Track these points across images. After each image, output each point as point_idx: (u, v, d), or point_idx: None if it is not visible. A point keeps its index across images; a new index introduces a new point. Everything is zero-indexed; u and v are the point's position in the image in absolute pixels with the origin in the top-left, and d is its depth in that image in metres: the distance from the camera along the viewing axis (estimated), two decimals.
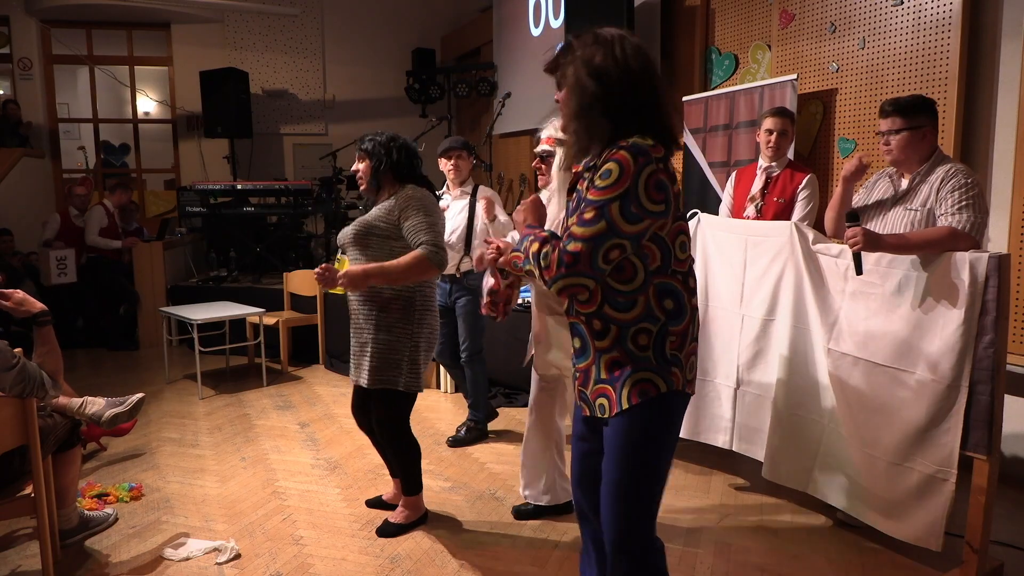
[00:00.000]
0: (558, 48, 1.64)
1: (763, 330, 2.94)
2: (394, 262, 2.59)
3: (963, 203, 2.44)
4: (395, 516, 2.90)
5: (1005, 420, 2.31)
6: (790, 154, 3.60)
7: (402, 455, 2.85)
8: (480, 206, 3.69)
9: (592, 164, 1.59)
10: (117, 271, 6.34)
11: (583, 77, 1.56)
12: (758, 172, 3.50)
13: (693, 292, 1.65)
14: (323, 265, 2.61)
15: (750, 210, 3.46)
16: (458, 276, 3.78)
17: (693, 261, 1.71)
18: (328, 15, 8.29)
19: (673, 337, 1.59)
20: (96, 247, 6.24)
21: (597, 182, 1.48)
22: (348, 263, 2.76)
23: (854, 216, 2.49)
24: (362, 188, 2.82)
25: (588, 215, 1.48)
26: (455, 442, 3.87)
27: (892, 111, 2.61)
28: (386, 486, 3.26)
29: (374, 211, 2.74)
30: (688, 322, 1.61)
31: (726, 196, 3.71)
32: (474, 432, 3.92)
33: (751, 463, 3.09)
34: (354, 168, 2.82)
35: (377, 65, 8.43)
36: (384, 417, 2.79)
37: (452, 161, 3.78)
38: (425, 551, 2.72)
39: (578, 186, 1.65)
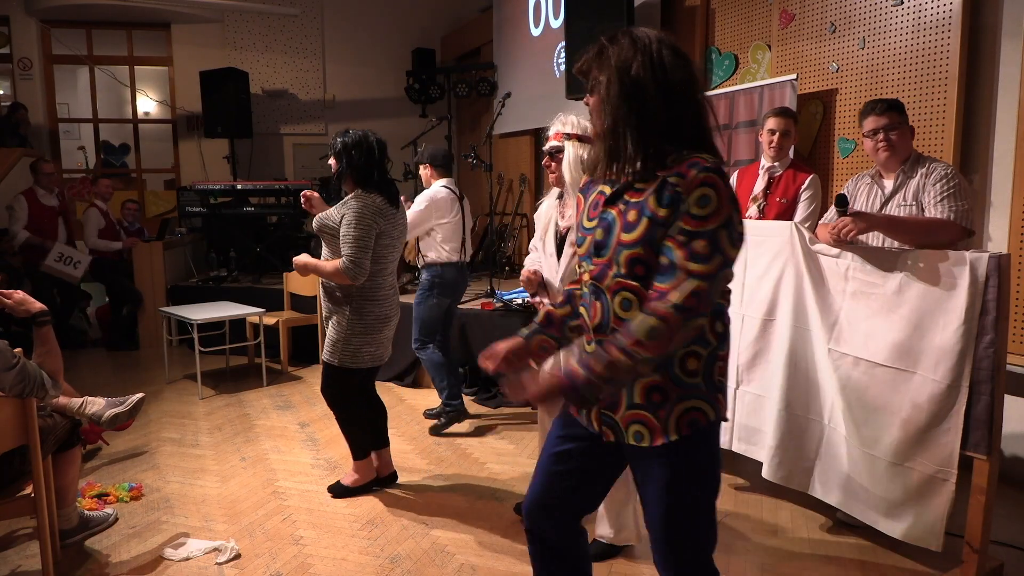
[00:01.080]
0: (591, 50, 1.52)
1: (763, 330, 2.94)
2: (323, 264, 2.99)
3: (944, 193, 2.55)
4: (345, 478, 3.23)
5: (1005, 420, 2.31)
6: (792, 154, 3.60)
7: (343, 422, 3.17)
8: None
9: (639, 176, 1.48)
10: (119, 272, 6.34)
11: (617, 86, 1.45)
12: (760, 172, 3.51)
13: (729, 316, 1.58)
14: (308, 192, 3.10)
15: (752, 210, 3.46)
16: (420, 266, 4.18)
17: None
18: (328, 15, 8.30)
19: (721, 362, 1.52)
20: (97, 250, 6.24)
21: (694, 210, 1.37)
22: None
23: (843, 200, 2.55)
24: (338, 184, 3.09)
25: (701, 248, 1.37)
26: (435, 430, 4.04)
27: (888, 108, 2.71)
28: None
29: (331, 211, 3.01)
30: (729, 343, 1.56)
31: None
32: (451, 415, 4.07)
33: (751, 463, 3.09)
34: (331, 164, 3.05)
35: (377, 65, 8.43)
36: (324, 386, 3.14)
37: (420, 171, 4.24)
38: (425, 551, 2.72)
39: (627, 196, 1.49)
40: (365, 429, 3.18)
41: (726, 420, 1.59)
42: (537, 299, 2.69)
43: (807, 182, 3.36)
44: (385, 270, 3.04)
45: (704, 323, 1.45)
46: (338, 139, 2.99)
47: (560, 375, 1.46)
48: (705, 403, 1.49)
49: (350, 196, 2.95)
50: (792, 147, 3.57)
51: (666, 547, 1.55)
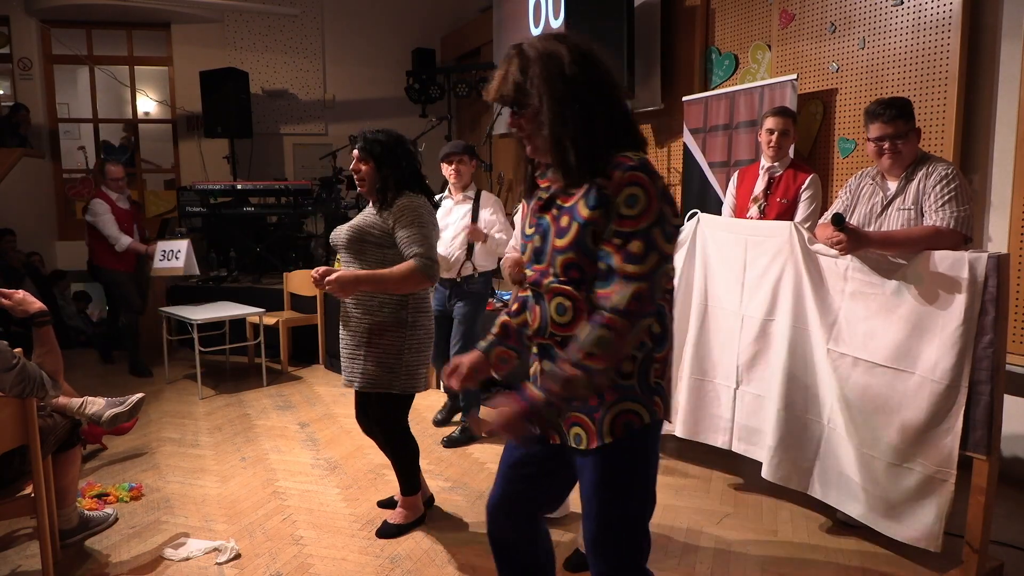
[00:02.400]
0: (506, 71, 1.46)
1: (763, 330, 2.93)
2: (388, 271, 2.58)
3: (945, 198, 2.50)
4: (394, 517, 2.91)
5: (1005, 420, 2.31)
6: (792, 154, 3.60)
7: (399, 456, 2.87)
8: (482, 215, 3.73)
9: (566, 183, 1.46)
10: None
11: (551, 98, 1.40)
12: (760, 172, 3.50)
13: (672, 311, 1.54)
14: (320, 269, 2.60)
15: (753, 211, 3.46)
16: (458, 280, 3.78)
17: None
18: (328, 15, 8.29)
19: (657, 364, 1.49)
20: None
21: (624, 211, 1.36)
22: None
23: (840, 219, 2.49)
24: (362, 191, 2.77)
25: (636, 248, 1.36)
26: (450, 442, 3.88)
27: (897, 115, 2.62)
28: (386, 485, 3.27)
29: (368, 217, 2.72)
30: (670, 347, 1.53)
31: (728, 196, 3.71)
32: (468, 432, 3.93)
33: (751, 463, 3.09)
34: (354, 167, 2.74)
35: (377, 65, 8.43)
36: (381, 419, 2.82)
37: (453, 166, 3.79)
38: (425, 551, 2.72)
39: (559, 201, 1.48)
40: (416, 461, 2.89)
41: (669, 422, 1.58)
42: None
43: (807, 182, 3.36)
44: None
45: (651, 323, 1.45)
46: (372, 142, 2.69)
47: (520, 402, 1.42)
48: (640, 406, 1.48)
49: (394, 199, 2.66)
50: (792, 147, 3.57)
51: (595, 548, 1.55)
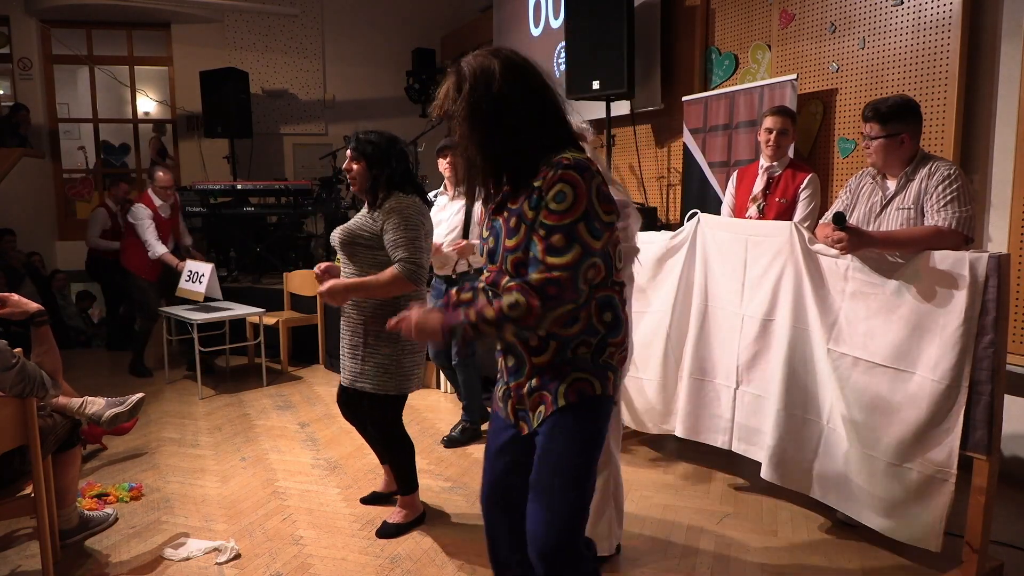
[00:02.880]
0: (446, 89, 1.57)
1: (763, 330, 2.93)
2: (373, 278, 2.64)
3: (947, 198, 2.48)
4: (393, 516, 2.91)
5: (1005, 420, 2.31)
6: (791, 153, 3.60)
7: (396, 455, 2.87)
8: (476, 211, 3.68)
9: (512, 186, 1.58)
10: (117, 272, 6.33)
11: (481, 109, 1.51)
12: (759, 172, 3.50)
13: (626, 302, 1.66)
14: (323, 265, 2.72)
15: (752, 210, 3.45)
16: (454, 277, 3.77)
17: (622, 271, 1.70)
18: (328, 15, 8.30)
19: (611, 348, 1.61)
20: (97, 248, 6.24)
21: (552, 205, 1.46)
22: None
23: (841, 218, 2.49)
24: (355, 190, 2.81)
25: (558, 242, 1.46)
26: (450, 442, 3.87)
27: (871, 117, 2.63)
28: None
29: (360, 219, 2.76)
30: (625, 335, 1.64)
31: (728, 196, 3.71)
32: (468, 432, 3.92)
33: (751, 463, 3.09)
34: (346, 167, 2.77)
35: (377, 65, 8.43)
36: (377, 419, 2.83)
37: (448, 159, 3.78)
38: (425, 551, 2.72)
39: (509, 204, 1.58)
40: (413, 460, 2.91)
41: (615, 403, 1.68)
42: None
43: (806, 181, 3.36)
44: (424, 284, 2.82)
45: (581, 312, 1.55)
46: (364, 142, 2.72)
47: (446, 317, 1.58)
48: (593, 377, 1.58)
49: (387, 200, 2.69)
50: (791, 146, 3.56)
51: (537, 519, 1.60)
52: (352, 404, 2.92)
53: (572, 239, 1.46)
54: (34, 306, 2.48)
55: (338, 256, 2.86)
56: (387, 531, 2.86)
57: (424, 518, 2.96)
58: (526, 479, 1.69)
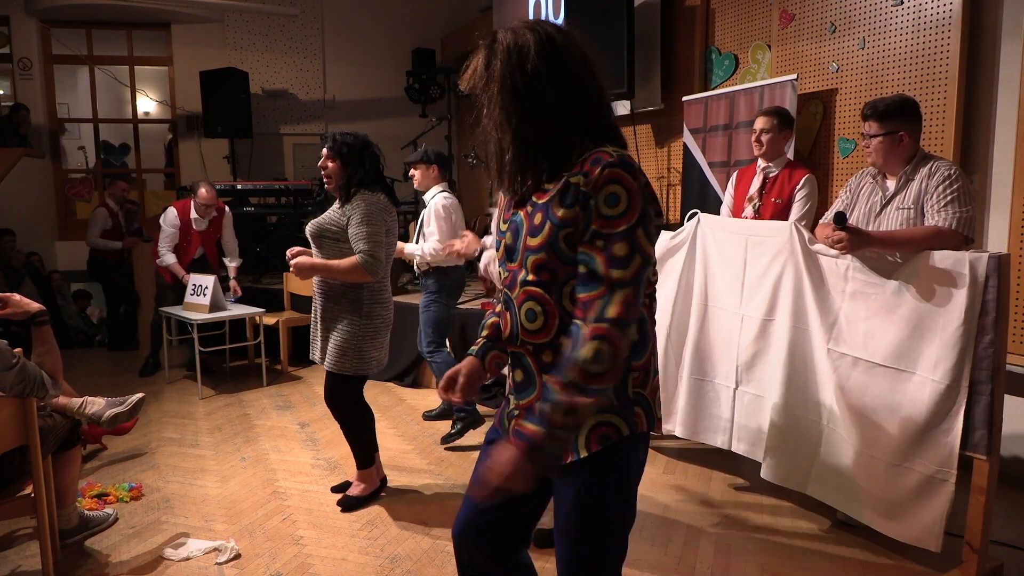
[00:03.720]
0: (476, 60, 1.40)
1: (763, 330, 2.93)
2: (336, 262, 2.89)
3: (947, 198, 2.48)
4: (353, 490, 3.14)
5: (1005, 420, 2.31)
6: (790, 154, 3.59)
7: (351, 428, 3.09)
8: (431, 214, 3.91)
9: (544, 177, 1.38)
10: (117, 271, 6.34)
11: (511, 88, 1.33)
12: (757, 172, 3.51)
13: (654, 314, 1.44)
14: (294, 249, 2.99)
15: (748, 210, 3.45)
16: (417, 276, 4.06)
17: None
18: (328, 15, 8.29)
19: (636, 373, 1.39)
20: (97, 248, 6.24)
21: (606, 211, 1.27)
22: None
23: (841, 218, 2.49)
24: (329, 187, 3.01)
25: (620, 250, 1.27)
26: (447, 439, 3.86)
27: (870, 115, 2.64)
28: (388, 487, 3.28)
29: (330, 214, 2.98)
30: (650, 354, 1.43)
31: (727, 196, 3.71)
32: (465, 423, 3.92)
33: (751, 463, 3.09)
34: (321, 164, 3.00)
35: (377, 65, 8.43)
36: (331, 394, 3.04)
37: (411, 172, 4.09)
38: (425, 551, 2.72)
39: (534, 198, 1.38)
40: (371, 436, 3.13)
41: (654, 432, 1.46)
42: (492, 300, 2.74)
43: (802, 181, 3.35)
44: (389, 271, 3.03)
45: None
46: (340, 143, 2.97)
47: (519, 444, 1.27)
48: (617, 417, 1.37)
49: (355, 196, 2.92)
50: (788, 145, 3.55)
51: (568, 568, 1.43)
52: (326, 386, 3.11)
53: (634, 247, 1.27)
54: (35, 306, 2.48)
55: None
56: (348, 503, 3.09)
57: (384, 485, 3.20)
58: (521, 511, 1.53)
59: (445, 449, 3.82)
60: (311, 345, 3.10)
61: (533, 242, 1.35)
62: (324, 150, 2.99)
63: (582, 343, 1.25)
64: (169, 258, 5.20)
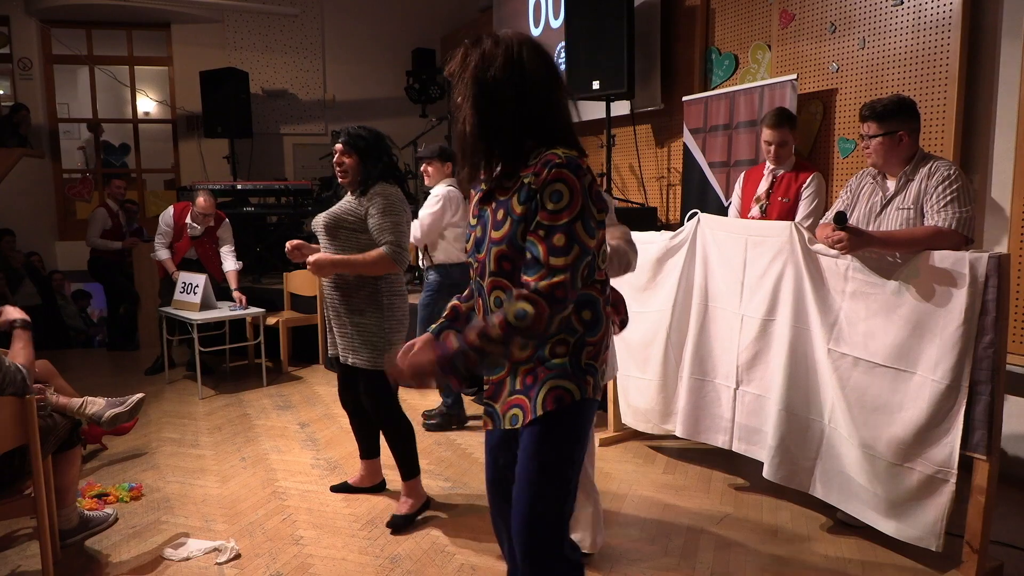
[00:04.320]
0: (457, 55, 1.59)
1: (763, 330, 2.93)
2: (360, 256, 2.77)
3: (947, 198, 2.48)
4: (400, 507, 2.95)
5: (1005, 420, 2.31)
6: (794, 153, 3.59)
7: (394, 437, 2.94)
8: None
9: (503, 176, 1.57)
10: (118, 271, 6.34)
11: (476, 89, 1.52)
12: (765, 173, 3.52)
13: (608, 300, 1.65)
14: (294, 242, 2.89)
15: (755, 211, 3.46)
16: (422, 271, 4.12)
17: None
18: (328, 15, 8.29)
19: (590, 347, 1.58)
20: (97, 248, 6.24)
21: (549, 205, 1.46)
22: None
23: (842, 218, 2.49)
24: (344, 181, 2.91)
25: (559, 241, 1.46)
26: (429, 427, 4.04)
27: (868, 116, 2.64)
28: (388, 486, 3.27)
29: (345, 205, 2.88)
30: (604, 332, 1.62)
31: (735, 198, 3.71)
32: (445, 417, 4.08)
33: (751, 463, 3.09)
34: (337, 160, 2.88)
35: (377, 65, 8.43)
36: (369, 396, 2.92)
37: (422, 168, 4.13)
38: (425, 551, 2.72)
39: (497, 195, 1.58)
40: (413, 442, 2.95)
41: (597, 400, 1.64)
42: None
43: (808, 180, 3.36)
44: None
45: (570, 313, 1.55)
46: (356, 137, 2.86)
47: (437, 350, 1.51)
48: (571, 383, 1.56)
49: (369, 189, 2.83)
50: (793, 148, 3.56)
51: (519, 522, 1.60)
52: (349, 382, 3.03)
53: (572, 239, 1.46)
54: (17, 314, 2.51)
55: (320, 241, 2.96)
56: (397, 523, 2.89)
57: (429, 504, 3.00)
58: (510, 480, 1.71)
59: (435, 436, 3.83)
60: (330, 347, 2.98)
61: (496, 235, 1.55)
62: (338, 145, 2.89)
63: (514, 302, 1.46)
64: (163, 253, 5.28)
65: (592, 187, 1.50)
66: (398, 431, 2.93)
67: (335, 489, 3.26)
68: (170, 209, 5.34)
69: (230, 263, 5.39)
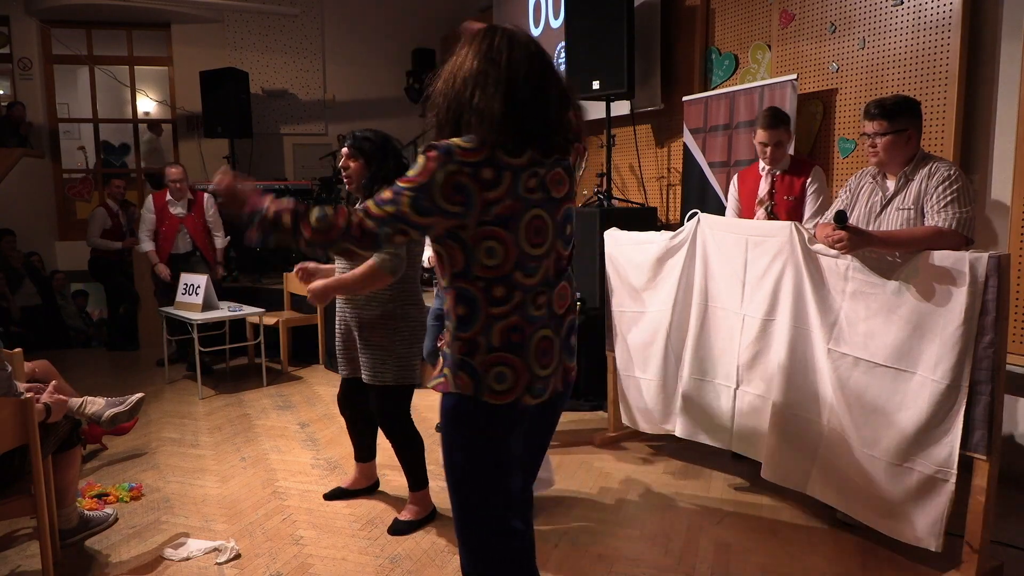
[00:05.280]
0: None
1: (763, 330, 2.93)
2: (350, 275, 2.65)
3: (947, 199, 2.48)
4: (404, 514, 2.93)
5: (1005, 420, 2.31)
6: (791, 151, 3.55)
7: (405, 450, 2.90)
8: None
9: None
10: (118, 271, 6.34)
11: (450, 70, 1.58)
12: (762, 174, 3.44)
13: (502, 301, 1.55)
14: (308, 266, 2.79)
15: (760, 213, 3.37)
16: (424, 276, 3.93)
17: (526, 265, 1.58)
18: (328, 15, 8.30)
19: (459, 342, 1.57)
20: (97, 248, 6.24)
21: (409, 172, 1.51)
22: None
23: (842, 217, 2.49)
24: (350, 187, 2.84)
25: (385, 195, 1.51)
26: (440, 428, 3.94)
27: (877, 114, 2.62)
28: (386, 486, 3.27)
29: None
30: (478, 331, 1.55)
31: (731, 200, 3.64)
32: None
33: (751, 463, 3.09)
34: (343, 164, 2.81)
35: (377, 65, 8.43)
36: (381, 411, 2.86)
37: None
38: (425, 551, 2.72)
39: None
40: (423, 455, 2.93)
41: (492, 403, 1.59)
42: None
43: (811, 175, 3.30)
44: (417, 273, 2.88)
45: (451, 304, 1.58)
46: (361, 140, 2.78)
47: (255, 196, 1.62)
48: (450, 372, 1.61)
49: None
50: (790, 146, 3.51)
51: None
52: (352, 393, 3.00)
53: (395, 201, 1.49)
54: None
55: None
56: (398, 528, 2.88)
57: (435, 515, 2.96)
58: None
59: (437, 437, 3.82)
60: (339, 363, 2.97)
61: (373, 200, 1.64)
62: (344, 149, 2.81)
63: (331, 208, 1.53)
64: (147, 245, 5.39)
65: (455, 178, 1.47)
66: (410, 445, 2.89)
67: (329, 497, 3.18)
68: (150, 198, 5.47)
69: (219, 236, 5.63)
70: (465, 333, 1.57)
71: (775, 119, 3.34)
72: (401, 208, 1.49)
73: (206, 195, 5.58)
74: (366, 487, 3.23)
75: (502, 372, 1.57)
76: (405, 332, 2.78)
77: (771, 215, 3.36)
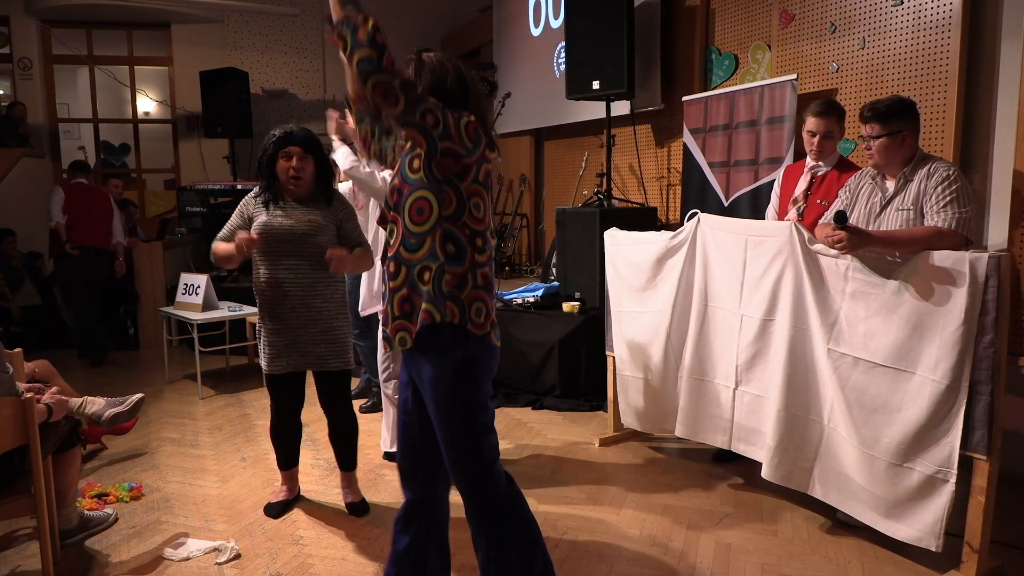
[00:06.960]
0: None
1: (762, 330, 2.93)
2: (358, 254, 2.84)
3: (947, 199, 2.47)
4: (356, 493, 3.11)
5: (1005, 420, 2.31)
6: (838, 150, 3.31)
7: (355, 431, 3.15)
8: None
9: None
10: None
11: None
12: (805, 171, 3.30)
13: (481, 251, 1.84)
14: (334, 251, 2.70)
15: (792, 213, 3.27)
16: None
17: (491, 230, 1.90)
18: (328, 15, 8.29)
19: (449, 276, 1.79)
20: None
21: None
22: None
23: (842, 217, 2.49)
24: (296, 189, 2.75)
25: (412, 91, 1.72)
26: (366, 409, 4.31)
27: (871, 117, 2.61)
28: (386, 486, 3.27)
29: (308, 214, 2.76)
30: (467, 268, 1.81)
31: (773, 196, 3.50)
32: (373, 394, 4.34)
33: (751, 463, 3.09)
34: (295, 165, 2.71)
35: None
36: (344, 396, 3.08)
37: None
38: None
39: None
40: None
41: (476, 333, 1.82)
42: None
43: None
44: None
45: (426, 239, 1.78)
46: (308, 138, 2.77)
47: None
48: (432, 306, 1.79)
49: (330, 195, 2.85)
50: (837, 143, 3.30)
51: (444, 453, 1.89)
52: (329, 387, 3.09)
53: (434, 109, 1.73)
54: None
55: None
56: (365, 508, 3.05)
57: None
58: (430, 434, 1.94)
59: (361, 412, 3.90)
60: (311, 356, 2.89)
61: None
62: (291, 148, 2.69)
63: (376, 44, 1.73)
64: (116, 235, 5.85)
65: (470, 124, 1.77)
66: (356, 425, 3.15)
67: (270, 513, 3.02)
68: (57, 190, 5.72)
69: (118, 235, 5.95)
70: (456, 268, 1.80)
71: (829, 108, 3.17)
72: (426, 100, 1.72)
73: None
74: (296, 496, 3.17)
75: (480, 307, 1.84)
76: (348, 319, 2.98)
77: (800, 216, 3.21)
